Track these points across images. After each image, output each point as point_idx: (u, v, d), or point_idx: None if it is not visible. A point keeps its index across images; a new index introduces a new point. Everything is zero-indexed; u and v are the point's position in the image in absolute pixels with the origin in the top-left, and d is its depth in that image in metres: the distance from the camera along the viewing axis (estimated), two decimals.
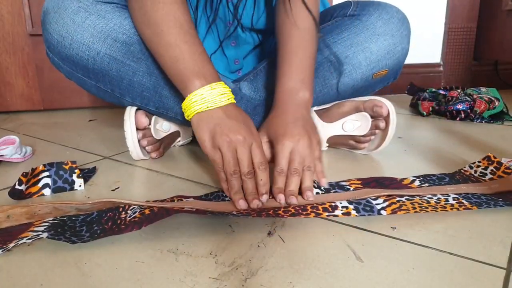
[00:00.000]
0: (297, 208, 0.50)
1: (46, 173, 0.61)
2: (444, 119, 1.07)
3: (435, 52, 1.49)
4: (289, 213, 0.49)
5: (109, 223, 0.47)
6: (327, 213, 0.49)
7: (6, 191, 0.59)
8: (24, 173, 0.59)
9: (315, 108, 0.78)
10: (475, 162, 0.64)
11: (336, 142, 0.78)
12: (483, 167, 0.62)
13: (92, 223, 0.48)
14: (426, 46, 1.46)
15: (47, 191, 0.60)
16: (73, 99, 1.29)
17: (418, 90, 1.25)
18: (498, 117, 1.03)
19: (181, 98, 0.68)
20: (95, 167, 0.71)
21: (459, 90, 1.13)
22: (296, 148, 0.55)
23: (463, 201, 0.52)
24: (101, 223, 0.48)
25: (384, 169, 0.68)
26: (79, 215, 0.50)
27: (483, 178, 0.61)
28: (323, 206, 0.51)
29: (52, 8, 0.64)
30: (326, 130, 0.75)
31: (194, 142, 0.86)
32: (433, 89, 1.21)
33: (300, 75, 0.63)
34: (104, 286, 0.38)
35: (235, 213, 0.50)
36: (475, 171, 0.63)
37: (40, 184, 0.60)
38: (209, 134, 0.53)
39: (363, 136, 0.74)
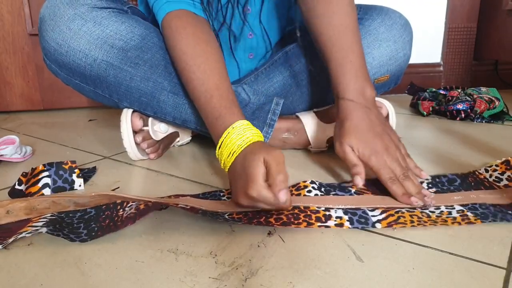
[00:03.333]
0: (289, 216, 0.49)
1: (46, 173, 0.61)
2: (444, 119, 1.07)
3: (435, 52, 1.49)
4: (281, 221, 0.48)
5: (107, 221, 0.48)
6: (319, 223, 0.48)
7: (6, 191, 0.59)
8: (24, 173, 0.59)
9: (315, 109, 0.78)
10: (492, 166, 0.61)
11: None
12: (500, 172, 0.58)
13: (90, 221, 0.48)
14: (426, 46, 1.46)
15: (47, 191, 0.60)
16: (73, 99, 1.29)
17: (418, 90, 1.25)
18: (498, 117, 1.03)
19: (179, 102, 0.69)
20: (95, 167, 0.71)
21: (459, 90, 1.13)
22: (387, 158, 0.55)
23: (468, 213, 0.49)
24: (98, 221, 0.48)
25: None
26: (76, 211, 0.51)
27: (498, 184, 0.57)
28: (316, 215, 0.49)
29: (48, 16, 0.64)
30: (326, 130, 0.75)
31: (193, 142, 0.86)
32: (433, 89, 1.21)
33: (361, 71, 0.59)
34: (104, 286, 0.38)
35: (227, 217, 0.49)
36: (490, 175, 0.59)
37: (40, 184, 0.60)
38: None
39: None
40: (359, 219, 0.49)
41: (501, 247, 0.43)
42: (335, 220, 0.48)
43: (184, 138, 0.83)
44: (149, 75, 0.66)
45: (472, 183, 0.58)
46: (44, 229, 0.44)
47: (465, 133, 0.91)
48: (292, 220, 0.48)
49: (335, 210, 0.51)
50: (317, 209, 0.51)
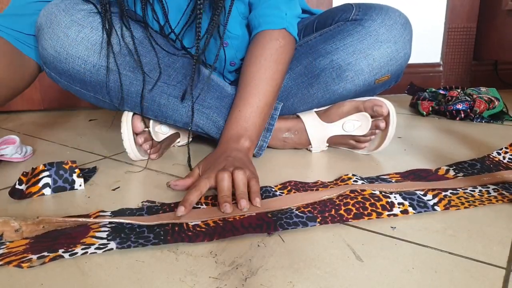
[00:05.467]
0: (357, 206, 0.51)
1: (46, 173, 0.61)
2: (444, 119, 1.07)
3: (435, 52, 1.49)
4: (352, 213, 0.50)
5: (169, 224, 0.48)
6: (387, 212, 0.50)
7: (7, 190, 0.59)
8: (24, 173, 0.59)
9: (315, 109, 0.78)
10: (502, 149, 0.67)
11: (336, 142, 0.78)
12: (511, 154, 0.66)
13: (152, 225, 0.48)
14: (426, 46, 1.46)
15: (47, 191, 0.60)
16: (73, 99, 1.29)
17: (418, 90, 1.25)
18: (497, 117, 1.03)
19: (180, 105, 0.69)
20: (95, 166, 0.71)
21: (458, 90, 1.13)
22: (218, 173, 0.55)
23: (504, 192, 0.55)
24: (161, 225, 0.48)
25: (384, 168, 0.68)
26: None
27: None
28: (380, 203, 0.51)
29: (45, 24, 0.64)
30: (326, 130, 0.76)
31: (193, 142, 0.86)
32: (433, 89, 1.21)
33: (246, 123, 0.65)
34: (104, 286, 0.38)
35: (298, 212, 0.50)
36: (503, 157, 0.66)
37: (40, 184, 0.60)
38: None
39: (364, 136, 0.74)
40: (419, 203, 0.51)
41: (501, 247, 0.43)
42: (399, 207, 0.51)
43: (185, 138, 0.83)
44: (148, 79, 0.66)
45: (491, 165, 0.64)
46: (113, 245, 0.44)
47: (464, 133, 0.91)
48: (362, 211, 0.50)
49: (394, 196, 0.53)
50: (373, 192, 0.53)
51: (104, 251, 0.43)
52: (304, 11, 0.91)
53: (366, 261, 0.41)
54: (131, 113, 0.70)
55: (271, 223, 0.48)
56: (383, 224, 0.48)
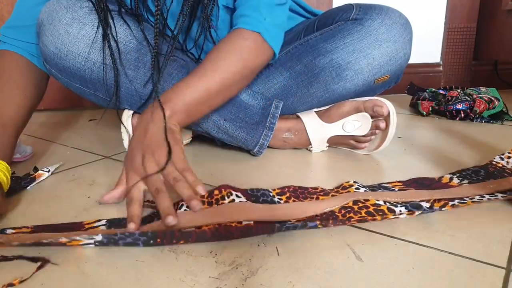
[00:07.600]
0: (360, 211, 0.50)
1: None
2: (444, 119, 1.07)
3: (435, 52, 1.49)
4: (358, 215, 0.48)
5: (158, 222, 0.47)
6: (392, 215, 0.49)
7: None
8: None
9: (315, 109, 0.78)
10: (505, 153, 0.66)
11: (336, 142, 0.78)
12: None
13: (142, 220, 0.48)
14: (426, 46, 1.46)
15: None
16: (73, 99, 1.29)
17: (418, 90, 1.25)
18: (497, 117, 1.03)
19: None
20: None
21: (458, 90, 1.13)
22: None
23: None
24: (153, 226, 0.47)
25: (384, 169, 0.68)
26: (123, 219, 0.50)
27: None
28: (383, 208, 0.50)
29: (46, 20, 0.63)
30: (327, 130, 0.76)
31: (193, 142, 0.86)
32: (433, 89, 1.21)
33: (173, 93, 0.59)
34: (104, 285, 0.38)
35: (298, 223, 0.47)
36: (507, 163, 0.64)
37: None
38: None
39: (364, 136, 0.74)
40: (424, 211, 0.50)
41: (500, 247, 0.43)
42: (403, 213, 0.49)
43: (185, 138, 0.83)
44: (148, 77, 0.66)
45: (495, 172, 0.62)
46: (102, 239, 0.43)
47: (464, 133, 0.91)
48: (364, 214, 0.49)
49: (400, 210, 0.50)
50: (377, 203, 0.51)
51: (96, 245, 0.43)
52: (306, 11, 0.91)
53: (366, 261, 0.41)
54: (130, 112, 0.70)
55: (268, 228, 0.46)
56: (383, 224, 0.48)
